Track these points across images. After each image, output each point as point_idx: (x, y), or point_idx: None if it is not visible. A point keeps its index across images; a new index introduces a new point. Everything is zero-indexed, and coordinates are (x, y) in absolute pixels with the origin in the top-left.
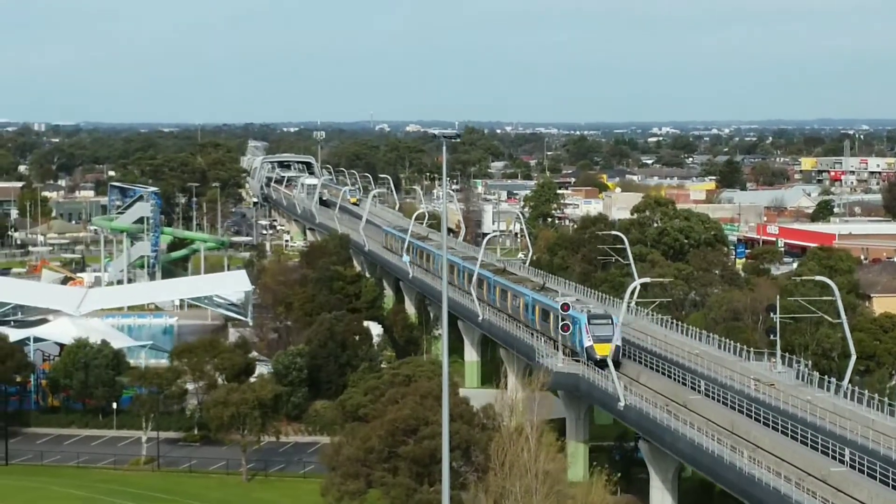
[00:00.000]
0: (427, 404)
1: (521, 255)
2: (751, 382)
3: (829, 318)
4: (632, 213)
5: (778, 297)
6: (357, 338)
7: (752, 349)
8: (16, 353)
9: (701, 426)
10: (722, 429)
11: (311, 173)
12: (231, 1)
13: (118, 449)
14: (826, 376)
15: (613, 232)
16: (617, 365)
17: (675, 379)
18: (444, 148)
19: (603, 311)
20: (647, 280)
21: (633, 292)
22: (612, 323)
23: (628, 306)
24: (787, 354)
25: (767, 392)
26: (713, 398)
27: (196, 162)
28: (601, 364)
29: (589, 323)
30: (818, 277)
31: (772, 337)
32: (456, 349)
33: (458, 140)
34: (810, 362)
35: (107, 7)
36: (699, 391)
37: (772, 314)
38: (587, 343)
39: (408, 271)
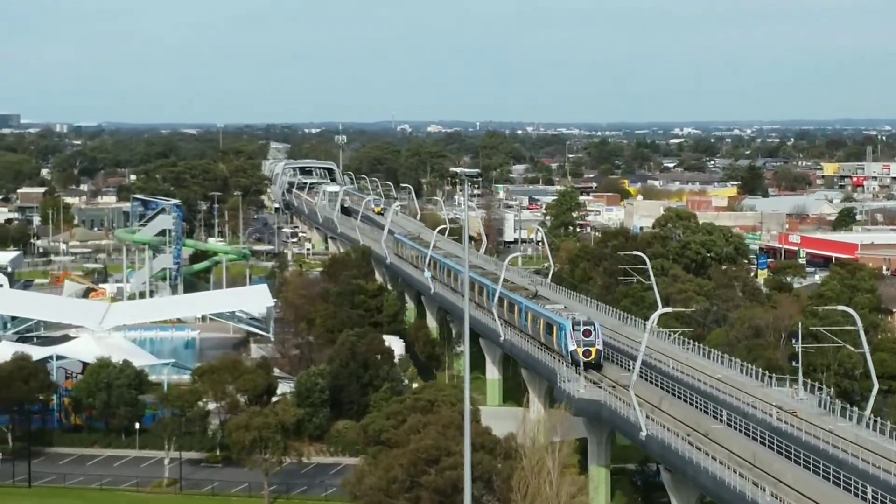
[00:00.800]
0: (449, 434)
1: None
2: (773, 410)
3: (852, 348)
4: (654, 227)
5: (800, 324)
6: (379, 357)
7: (773, 375)
8: (39, 374)
9: (723, 459)
10: (744, 461)
11: (333, 180)
12: (253, 0)
13: (141, 470)
14: (849, 400)
15: (635, 252)
16: (598, 367)
17: (697, 406)
18: (467, 186)
19: (586, 318)
20: (670, 310)
21: (655, 319)
22: (595, 328)
23: (651, 331)
24: (808, 381)
25: (789, 421)
26: (735, 428)
27: (218, 169)
28: (585, 366)
29: (573, 329)
30: (840, 307)
31: (794, 363)
32: (478, 364)
33: (480, 178)
34: (832, 383)
35: (129, 6)
36: (721, 420)
37: (793, 341)
38: (572, 347)
39: (429, 286)
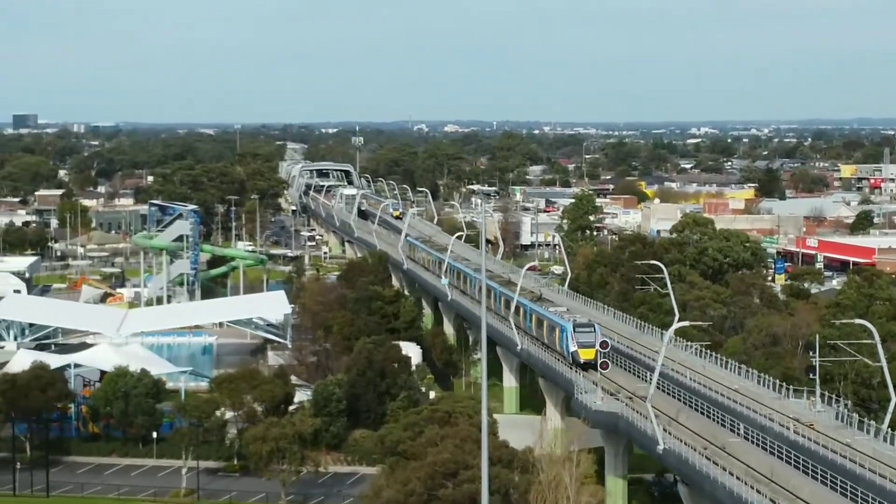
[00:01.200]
0: (467, 448)
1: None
2: (790, 423)
3: (869, 361)
4: (671, 233)
5: (817, 336)
6: (396, 365)
7: (791, 386)
8: (57, 383)
9: (740, 474)
10: (761, 475)
11: (350, 182)
12: (269, 1)
13: (158, 479)
14: (867, 409)
15: (652, 261)
16: (598, 367)
17: (713, 419)
18: (483, 206)
19: (587, 320)
20: (686, 324)
21: (672, 333)
22: (595, 331)
23: (670, 340)
24: (826, 393)
25: (807, 434)
26: (752, 441)
27: (235, 172)
28: (585, 366)
29: (574, 331)
30: (858, 321)
31: (811, 376)
32: (495, 371)
33: (497, 195)
34: (850, 392)
35: (148, 6)
36: (738, 433)
37: (811, 353)
38: (573, 348)
39: (446, 293)
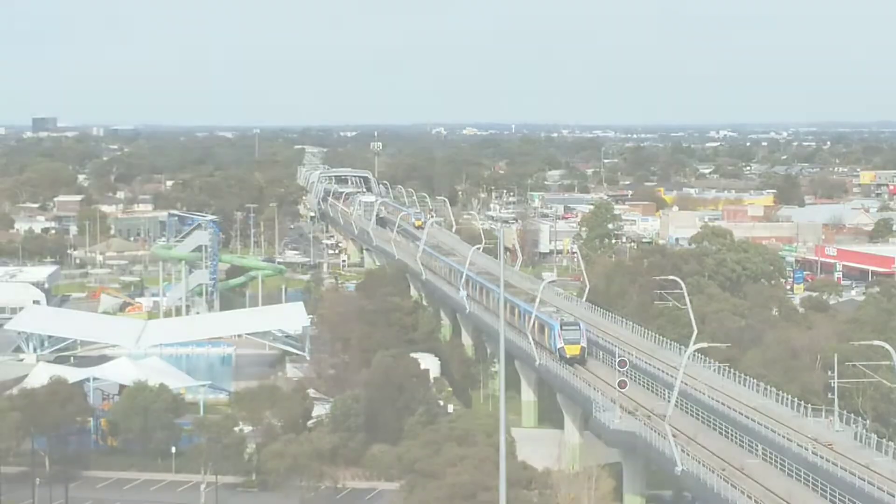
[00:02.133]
0: (485, 470)
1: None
2: (809, 444)
3: (887, 383)
4: (690, 243)
5: (836, 356)
6: (414, 380)
7: (809, 405)
8: (75, 397)
9: (759, 497)
10: (780, 498)
11: (369, 189)
12: (288, 4)
13: (177, 495)
14: (885, 425)
15: (671, 277)
16: (583, 363)
17: (732, 439)
18: (502, 242)
19: (573, 318)
20: (704, 345)
21: (690, 355)
22: (580, 328)
23: (689, 357)
24: (844, 412)
25: (825, 455)
26: (770, 462)
27: (254, 179)
28: (571, 361)
29: (561, 329)
30: (876, 342)
31: (829, 396)
32: (513, 384)
33: (515, 221)
34: (869, 407)
35: (166, 8)
36: (756, 453)
37: (829, 373)
38: (559, 344)
39: (464, 305)
